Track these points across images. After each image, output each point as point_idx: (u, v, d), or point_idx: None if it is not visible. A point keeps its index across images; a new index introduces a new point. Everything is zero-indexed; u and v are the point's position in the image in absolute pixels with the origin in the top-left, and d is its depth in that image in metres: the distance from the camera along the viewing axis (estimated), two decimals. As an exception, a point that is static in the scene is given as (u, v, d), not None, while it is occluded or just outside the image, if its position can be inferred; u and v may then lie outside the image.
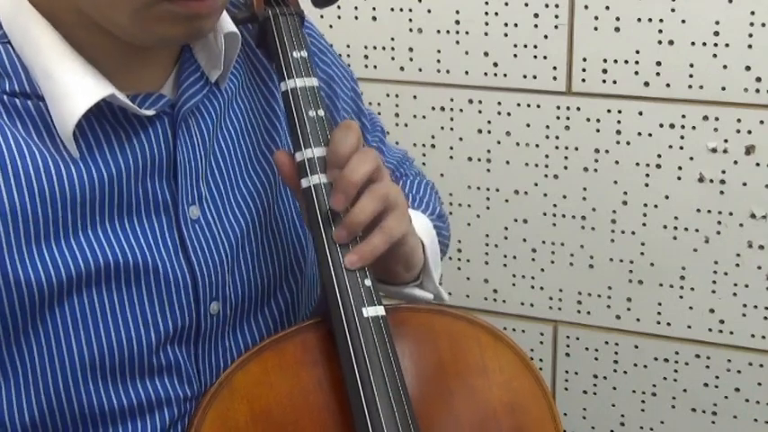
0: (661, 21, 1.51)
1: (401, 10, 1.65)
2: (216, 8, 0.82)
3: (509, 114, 1.63)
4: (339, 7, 1.67)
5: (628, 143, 1.58)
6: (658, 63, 1.53)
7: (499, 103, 1.63)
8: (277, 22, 0.97)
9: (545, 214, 1.66)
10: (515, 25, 1.59)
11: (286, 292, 1.00)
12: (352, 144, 0.89)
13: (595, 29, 1.55)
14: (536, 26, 1.58)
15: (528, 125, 1.63)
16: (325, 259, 0.89)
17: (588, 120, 1.59)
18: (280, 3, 0.98)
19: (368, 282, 0.89)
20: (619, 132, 1.58)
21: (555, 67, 1.58)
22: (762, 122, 1.50)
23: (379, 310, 0.89)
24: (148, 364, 0.89)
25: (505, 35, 1.60)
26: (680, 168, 1.56)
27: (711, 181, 1.55)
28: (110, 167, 0.85)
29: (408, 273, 1.01)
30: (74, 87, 0.81)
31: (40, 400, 0.84)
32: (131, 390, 0.88)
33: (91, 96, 0.82)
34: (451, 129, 1.67)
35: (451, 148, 1.68)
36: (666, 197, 1.58)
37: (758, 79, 1.48)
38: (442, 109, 1.67)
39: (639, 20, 1.52)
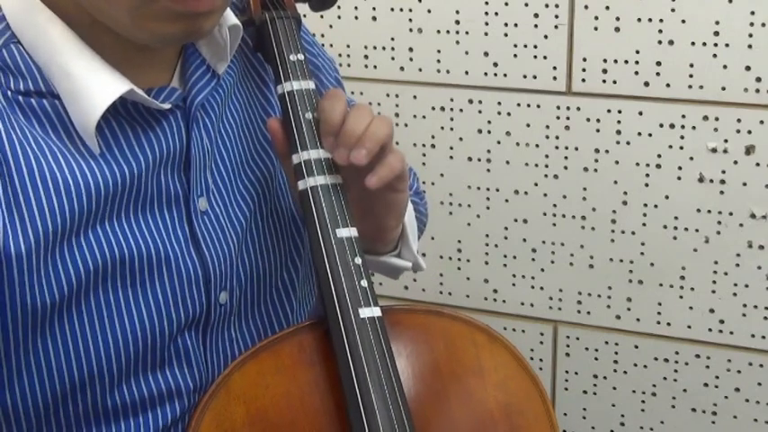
0: (661, 21, 1.51)
1: (401, 10, 1.65)
2: (216, 7, 0.83)
3: (509, 114, 1.63)
4: (339, 7, 1.67)
5: (628, 143, 1.58)
6: (658, 63, 1.53)
7: (499, 103, 1.63)
8: (274, 25, 0.97)
9: (545, 214, 1.66)
10: (515, 25, 1.59)
11: (286, 281, 1.01)
12: (341, 110, 0.91)
13: (595, 29, 1.55)
14: (536, 26, 1.58)
15: (528, 125, 1.63)
16: (322, 260, 0.90)
17: (588, 120, 1.59)
18: (276, 6, 0.99)
19: (364, 282, 0.90)
20: (619, 132, 1.58)
21: (555, 67, 1.58)
22: (762, 122, 1.50)
23: (375, 311, 0.89)
24: (160, 354, 0.90)
25: (505, 35, 1.60)
26: (680, 168, 1.56)
27: (711, 181, 1.55)
28: (129, 163, 0.86)
29: (397, 229, 1.02)
30: (93, 84, 0.82)
31: (55, 393, 0.84)
32: (143, 382, 0.89)
33: (111, 93, 0.82)
34: (451, 129, 1.67)
35: (451, 148, 1.68)
36: (666, 197, 1.58)
37: (758, 79, 1.48)
38: (442, 109, 1.67)
39: (639, 20, 1.52)
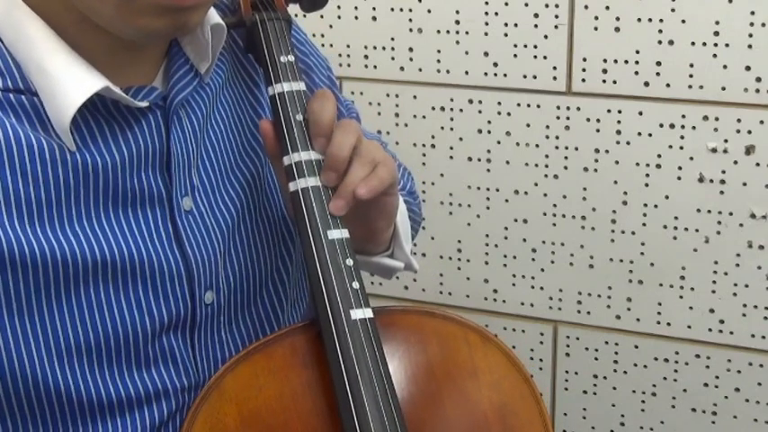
0: (661, 21, 1.51)
1: (401, 10, 1.65)
2: (201, 1, 0.83)
3: (509, 114, 1.63)
4: (339, 7, 1.67)
5: (628, 143, 1.57)
6: (658, 63, 1.53)
7: (499, 103, 1.63)
8: (264, 27, 0.98)
9: (545, 214, 1.66)
10: (515, 25, 1.59)
11: (277, 283, 1.02)
12: (330, 111, 0.92)
13: (595, 29, 1.55)
14: (536, 26, 1.58)
15: (528, 125, 1.63)
16: (313, 262, 0.90)
17: (588, 120, 1.59)
18: (267, 8, 0.99)
19: (356, 284, 0.90)
20: (619, 132, 1.58)
21: (555, 67, 1.58)
22: (762, 122, 1.49)
23: (367, 313, 0.89)
24: (144, 353, 0.90)
25: (505, 35, 1.60)
26: (680, 168, 1.56)
27: (711, 181, 1.54)
28: (105, 159, 0.86)
29: (388, 230, 1.03)
30: (68, 81, 0.82)
31: (38, 388, 0.84)
32: (128, 380, 0.89)
33: (86, 89, 0.83)
34: (451, 129, 1.67)
35: (451, 148, 1.68)
36: (666, 197, 1.58)
37: (758, 79, 1.48)
38: (442, 109, 1.67)
39: (639, 20, 1.52)
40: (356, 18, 1.68)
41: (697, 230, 1.57)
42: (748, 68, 1.48)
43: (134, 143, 0.88)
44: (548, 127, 1.61)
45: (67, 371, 0.85)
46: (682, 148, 1.54)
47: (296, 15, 1.04)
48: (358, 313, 0.89)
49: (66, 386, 0.85)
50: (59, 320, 0.84)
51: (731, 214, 1.55)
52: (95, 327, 0.86)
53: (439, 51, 1.65)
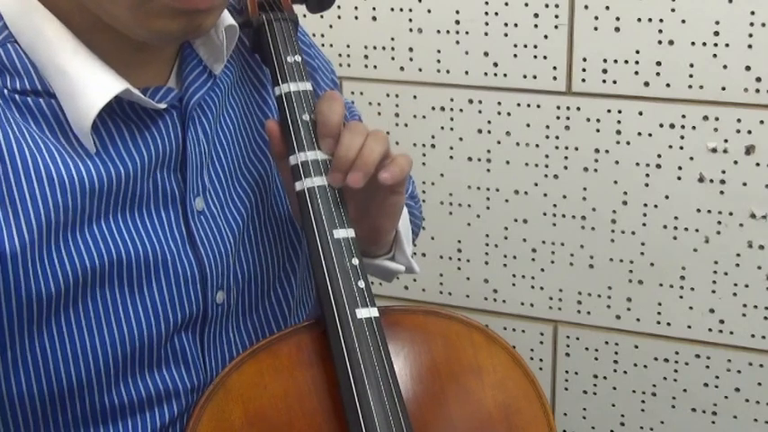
0: (661, 21, 1.51)
1: (401, 10, 1.65)
2: (215, 5, 0.83)
3: (509, 114, 1.63)
4: (339, 7, 1.67)
5: (628, 143, 1.58)
6: (658, 63, 1.53)
7: (499, 103, 1.63)
8: (271, 27, 0.98)
9: (545, 214, 1.66)
10: (515, 25, 1.59)
11: (284, 282, 1.02)
12: (339, 113, 0.92)
13: (595, 29, 1.55)
14: (536, 26, 1.58)
15: (528, 125, 1.63)
16: (319, 261, 0.90)
17: (588, 120, 1.59)
18: (274, 8, 0.99)
19: (361, 283, 0.90)
20: (619, 132, 1.58)
21: (555, 67, 1.59)
22: (762, 122, 1.50)
23: (372, 312, 0.89)
24: (157, 355, 0.90)
25: (505, 35, 1.60)
26: (680, 168, 1.56)
27: (711, 181, 1.55)
28: (125, 162, 0.86)
29: (392, 232, 1.03)
30: (89, 84, 0.82)
31: (52, 392, 0.84)
32: (140, 382, 0.89)
33: (107, 92, 0.82)
34: (451, 129, 1.67)
35: (451, 148, 1.68)
36: (666, 197, 1.58)
37: (758, 79, 1.48)
38: (442, 109, 1.67)
39: (639, 20, 1.52)
40: (356, 18, 1.68)
41: (697, 230, 1.58)
42: (748, 68, 1.48)
43: (152, 145, 0.88)
44: (548, 127, 1.62)
45: (83, 377, 0.85)
46: (682, 148, 1.55)
47: (296, 15, 1.05)
48: (363, 312, 0.89)
49: (80, 391, 0.86)
50: (77, 329, 0.84)
51: (731, 214, 1.55)
52: (111, 332, 0.86)
53: (439, 51, 1.65)
